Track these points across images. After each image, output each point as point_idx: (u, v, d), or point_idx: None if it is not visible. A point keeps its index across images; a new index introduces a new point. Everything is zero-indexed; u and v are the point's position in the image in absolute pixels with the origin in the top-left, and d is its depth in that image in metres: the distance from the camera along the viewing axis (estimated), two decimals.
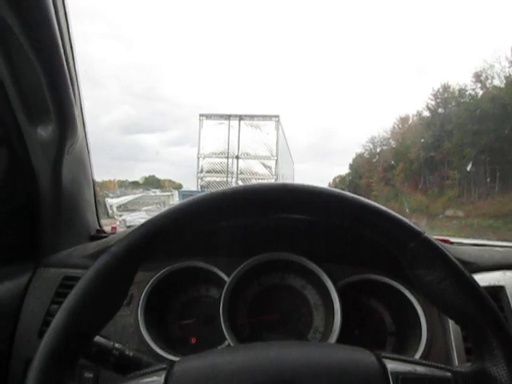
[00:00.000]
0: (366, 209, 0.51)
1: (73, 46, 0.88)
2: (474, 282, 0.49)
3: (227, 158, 10.20)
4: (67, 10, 0.82)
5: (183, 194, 9.40)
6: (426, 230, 0.51)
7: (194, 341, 0.98)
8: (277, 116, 10.15)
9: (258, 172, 10.05)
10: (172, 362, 0.48)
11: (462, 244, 1.05)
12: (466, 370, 0.48)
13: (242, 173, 10.14)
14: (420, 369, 0.47)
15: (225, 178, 10.18)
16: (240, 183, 8.19)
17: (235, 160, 10.19)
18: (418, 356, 0.83)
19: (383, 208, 0.52)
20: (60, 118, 0.88)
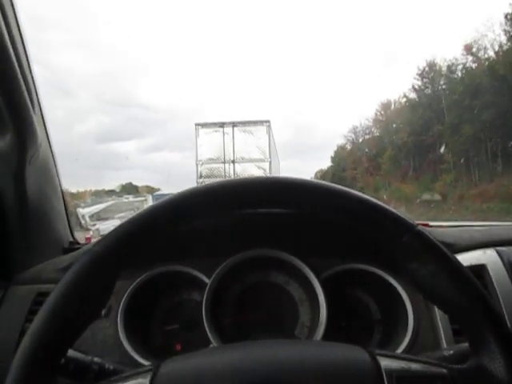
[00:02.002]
0: (357, 202, 0.52)
1: (27, 51, 0.89)
2: (471, 276, 0.50)
3: (224, 162, 11.35)
4: (17, 16, 0.83)
5: (156, 198, 9.49)
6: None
7: (179, 347, 0.99)
8: (268, 121, 11.36)
9: (254, 174, 10.80)
10: (158, 364, 0.49)
11: (441, 226, 1.10)
12: (462, 367, 0.49)
13: (238, 176, 10.87)
14: (415, 366, 0.48)
15: None
16: None
17: (231, 164, 11.34)
18: (406, 342, 0.88)
19: (375, 201, 0.52)
20: (17, 126, 0.89)
